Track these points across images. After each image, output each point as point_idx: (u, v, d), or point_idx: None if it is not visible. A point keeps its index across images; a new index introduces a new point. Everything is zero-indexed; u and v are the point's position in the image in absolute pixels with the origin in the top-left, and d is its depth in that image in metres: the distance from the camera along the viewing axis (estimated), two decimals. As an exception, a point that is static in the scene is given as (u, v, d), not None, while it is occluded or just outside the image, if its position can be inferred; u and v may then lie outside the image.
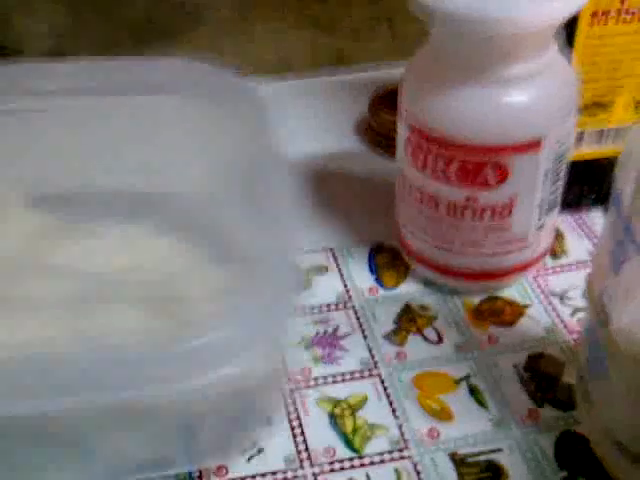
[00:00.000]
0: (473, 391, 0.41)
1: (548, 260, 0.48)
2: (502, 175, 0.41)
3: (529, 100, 0.40)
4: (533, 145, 0.40)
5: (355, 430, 0.40)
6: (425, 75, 0.42)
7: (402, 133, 0.44)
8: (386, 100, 0.56)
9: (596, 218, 0.51)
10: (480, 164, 0.41)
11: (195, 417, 0.34)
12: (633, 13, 0.44)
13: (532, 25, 0.38)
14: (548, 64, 0.40)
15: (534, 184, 0.42)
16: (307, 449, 0.39)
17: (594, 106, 0.46)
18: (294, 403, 0.41)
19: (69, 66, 0.43)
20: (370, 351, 0.43)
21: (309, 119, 0.59)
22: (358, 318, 0.45)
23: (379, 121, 0.56)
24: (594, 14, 0.43)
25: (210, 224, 0.42)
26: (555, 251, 0.48)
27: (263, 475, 0.38)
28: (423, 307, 0.45)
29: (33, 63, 0.43)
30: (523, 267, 0.45)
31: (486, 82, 0.40)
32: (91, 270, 0.40)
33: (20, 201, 0.43)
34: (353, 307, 0.46)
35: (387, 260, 0.48)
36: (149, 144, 0.43)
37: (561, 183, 0.44)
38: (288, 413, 0.40)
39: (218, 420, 0.35)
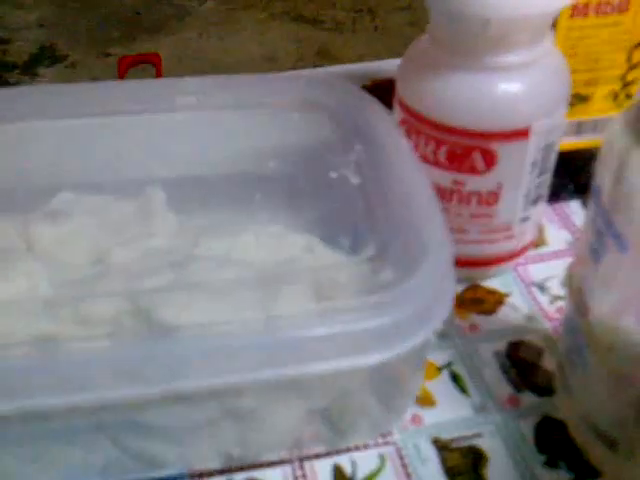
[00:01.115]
0: (455, 378, 0.42)
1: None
2: (490, 161, 0.42)
3: (521, 88, 0.41)
4: (522, 133, 0.41)
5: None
6: (422, 59, 0.43)
7: (397, 115, 0.44)
8: (372, 94, 0.56)
9: (575, 208, 0.52)
10: (469, 149, 0.41)
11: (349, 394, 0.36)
12: (612, 6, 0.44)
13: (531, 10, 0.39)
14: (543, 54, 0.41)
15: (521, 173, 0.42)
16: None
17: (574, 97, 0.47)
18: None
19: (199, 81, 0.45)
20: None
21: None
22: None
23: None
24: (574, 7, 0.44)
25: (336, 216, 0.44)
26: (535, 241, 0.49)
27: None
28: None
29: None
30: (506, 258, 0.46)
31: (480, 68, 0.41)
32: (250, 260, 0.41)
33: (161, 202, 0.44)
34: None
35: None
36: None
37: (548, 176, 0.44)
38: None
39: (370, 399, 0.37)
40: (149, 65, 0.81)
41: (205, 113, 0.45)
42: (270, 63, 0.62)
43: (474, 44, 0.40)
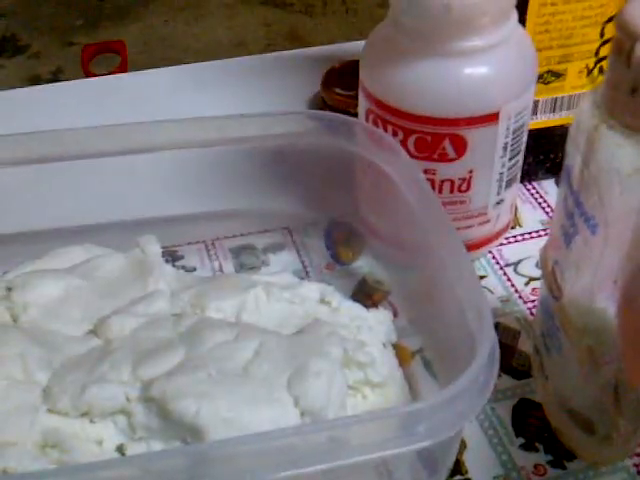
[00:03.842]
0: (428, 363, 0.41)
1: (502, 231, 0.48)
2: (460, 148, 0.41)
3: (488, 72, 0.40)
4: (491, 118, 0.41)
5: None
6: (385, 47, 0.42)
7: (362, 105, 0.43)
8: (339, 76, 0.56)
9: (549, 188, 0.51)
10: (438, 137, 0.41)
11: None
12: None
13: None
14: (507, 36, 0.40)
15: (492, 158, 0.42)
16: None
17: (548, 74, 0.46)
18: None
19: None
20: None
21: (262, 97, 0.59)
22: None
23: (332, 97, 0.56)
24: (546, -17, 0.44)
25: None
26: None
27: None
28: (378, 282, 0.45)
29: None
30: (483, 242, 0.46)
31: (445, 54, 0.40)
32: (264, 321, 0.39)
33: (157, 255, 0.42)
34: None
35: (343, 236, 0.48)
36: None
37: (520, 158, 0.44)
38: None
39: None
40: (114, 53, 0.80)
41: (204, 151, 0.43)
42: (239, 48, 0.61)
43: (437, 29, 0.40)
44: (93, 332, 0.38)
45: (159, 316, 0.38)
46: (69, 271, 0.40)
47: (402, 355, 0.42)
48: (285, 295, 0.40)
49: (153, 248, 0.42)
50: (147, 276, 0.40)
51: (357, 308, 0.41)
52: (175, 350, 0.36)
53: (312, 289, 0.41)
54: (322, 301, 0.40)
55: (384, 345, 0.40)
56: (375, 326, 0.40)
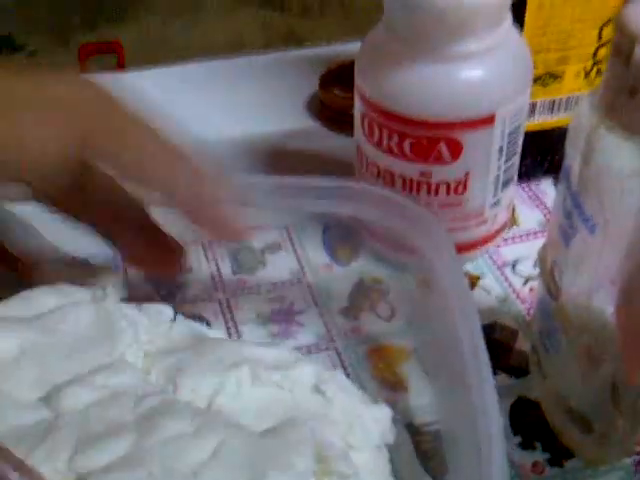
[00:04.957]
0: (424, 363, 0.42)
1: (500, 231, 0.48)
2: (456, 151, 0.41)
3: (482, 76, 0.40)
4: (486, 121, 0.41)
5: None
6: (379, 51, 0.42)
7: (358, 108, 0.44)
8: (337, 76, 0.56)
9: (547, 188, 0.51)
10: (434, 140, 0.41)
11: None
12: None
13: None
14: (502, 40, 0.40)
15: (488, 160, 0.42)
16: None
17: (546, 76, 0.46)
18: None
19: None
20: (326, 326, 0.44)
21: (260, 97, 0.59)
22: (313, 295, 0.45)
23: (330, 97, 0.56)
24: (544, -16, 0.44)
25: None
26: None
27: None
28: (376, 281, 0.46)
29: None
30: (480, 243, 0.46)
31: (439, 58, 0.40)
32: (239, 410, 0.34)
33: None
34: (308, 284, 0.46)
35: (341, 236, 0.48)
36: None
37: (516, 159, 0.44)
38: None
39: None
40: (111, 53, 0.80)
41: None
42: (237, 49, 0.61)
43: (431, 34, 0.40)
44: (45, 400, 0.33)
45: (120, 391, 0.33)
46: (30, 322, 0.36)
47: (400, 355, 0.42)
48: (274, 378, 0.35)
49: (118, 301, 0.38)
50: (116, 341, 0.36)
51: (353, 401, 0.36)
52: (124, 437, 0.31)
53: (307, 372, 0.36)
54: (315, 389, 0.36)
55: (378, 447, 0.35)
56: (370, 425, 0.35)
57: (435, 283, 0.37)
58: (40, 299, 0.37)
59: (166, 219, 0.40)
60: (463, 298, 0.35)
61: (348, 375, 0.41)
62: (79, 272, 0.40)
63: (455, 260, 0.37)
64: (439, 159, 0.42)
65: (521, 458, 0.38)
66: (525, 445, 0.38)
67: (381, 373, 0.41)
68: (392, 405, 0.39)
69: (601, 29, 0.46)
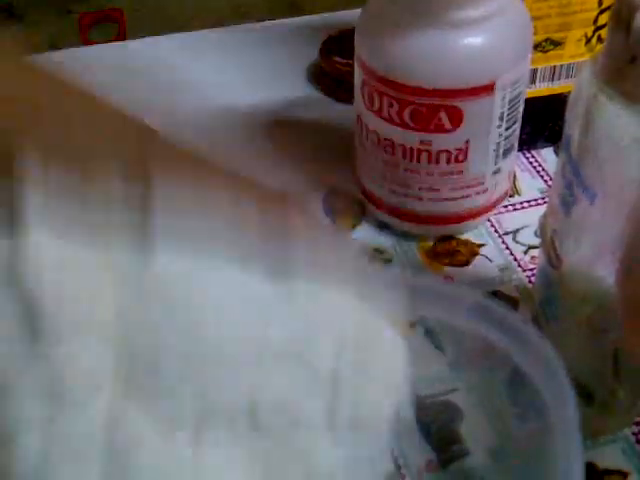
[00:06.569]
0: (429, 333, 0.42)
1: (501, 199, 0.48)
2: (456, 119, 0.41)
3: (483, 43, 0.40)
4: (487, 88, 0.40)
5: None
6: (379, 18, 0.42)
7: (358, 76, 0.43)
8: (337, 44, 0.55)
9: (548, 156, 0.51)
10: (434, 108, 0.41)
11: None
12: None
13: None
14: (502, 6, 0.40)
15: (489, 128, 0.42)
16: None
17: (547, 42, 0.46)
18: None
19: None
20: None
21: (261, 65, 0.59)
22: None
23: (330, 65, 0.56)
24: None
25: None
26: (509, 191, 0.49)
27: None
28: (378, 250, 0.46)
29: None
30: (481, 211, 0.46)
31: (440, 25, 0.40)
32: None
33: None
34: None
35: (342, 204, 0.48)
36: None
37: (517, 127, 0.44)
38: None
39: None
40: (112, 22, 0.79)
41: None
42: (239, 16, 0.61)
43: (431, 1, 0.39)
44: None
45: None
46: None
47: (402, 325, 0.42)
48: None
49: None
50: None
51: None
52: None
53: None
54: None
55: None
56: None
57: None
58: None
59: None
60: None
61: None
62: None
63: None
64: (439, 127, 0.41)
65: (519, 429, 0.38)
66: (524, 417, 0.38)
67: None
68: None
69: (602, -6, 0.45)
